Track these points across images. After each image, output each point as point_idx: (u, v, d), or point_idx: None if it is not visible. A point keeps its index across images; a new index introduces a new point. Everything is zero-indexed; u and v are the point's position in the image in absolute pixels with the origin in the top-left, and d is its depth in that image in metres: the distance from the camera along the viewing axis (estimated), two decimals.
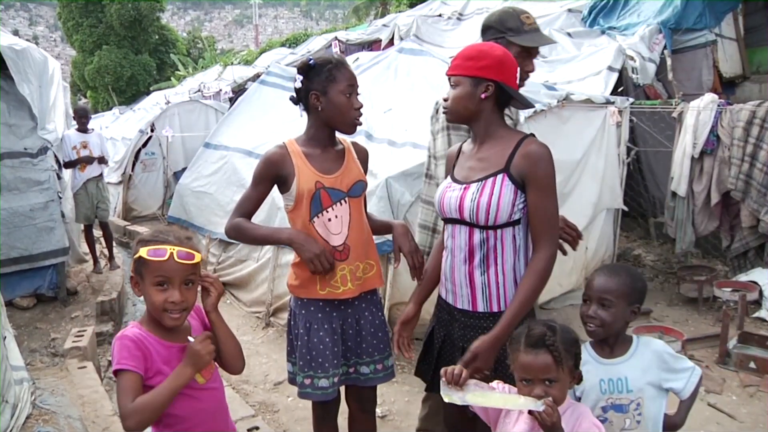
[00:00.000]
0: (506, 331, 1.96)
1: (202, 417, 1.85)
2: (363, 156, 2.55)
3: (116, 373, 1.71)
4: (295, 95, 2.41)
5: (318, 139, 2.40)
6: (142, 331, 1.77)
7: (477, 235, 2.08)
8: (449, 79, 2.16)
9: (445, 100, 2.18)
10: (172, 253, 1.71)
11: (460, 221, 2.11)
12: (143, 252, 1.72)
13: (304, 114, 2.43)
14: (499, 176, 2.04)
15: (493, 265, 2.09)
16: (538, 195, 2.02)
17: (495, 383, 1.90)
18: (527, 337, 1.74)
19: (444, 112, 2.22)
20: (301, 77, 2.36)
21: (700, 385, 2.04)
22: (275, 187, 2.43)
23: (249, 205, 2.44)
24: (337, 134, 2.46)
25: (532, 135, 2.14)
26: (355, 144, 2.55)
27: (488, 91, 2.08)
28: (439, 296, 2.35)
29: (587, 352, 1.98)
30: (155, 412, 1.68)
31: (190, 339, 1.79)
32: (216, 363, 1.92)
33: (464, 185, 2.11)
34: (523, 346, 1.73)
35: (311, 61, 2.36)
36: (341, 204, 2.35)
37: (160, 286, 1.73)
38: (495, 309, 2.11)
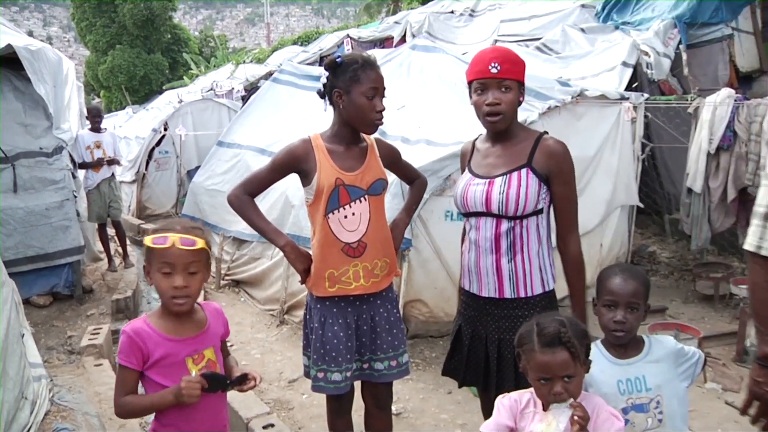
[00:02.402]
0: (584, 316, 2.14)
1: (204, 411, 1.90)
2: (386, 152, 2.56)
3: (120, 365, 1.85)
4: (321, 89, 2.44)
5: (341, 136, 2.42)
6: (146, 325, 1.85)
7: (504, 225, 2.18)
8: (501, 81, 2.14)
9: (493, 104, 2.15)
10: (174, 241, 1.79)
11: (486, 213, 2.20)
12: (148, 240, 1.82)
13: (329, 109, 2.45)
14: (523, 170, 2.16)
15: (519, 252, 2.19)
16: (564, 187, 2.17)
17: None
18: (541, 336, 1.72)
19: (494, 119, 2.18)
20: (327, 74, 2.39)
21: (704, 368, 2.07)
22: (288, 182, 2.45)
23: (257, 186, 2.49)
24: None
25: (546, 132, 2.26)
26: (379, 141, 2.57)
27: (523, 93, 2.23)
28: (463, 291, 2.39)
29: (602, 355, 1.97)
30: (136, 414, 1.93)
31: (193, 374, 1.83)
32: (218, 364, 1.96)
33: (488, 179, 2.20)
34: (538, 346, 1.71)
35: (338, 59, 2.38)
36: (360, 201, 2.37)
37: (165, 273, 1.80)
38: (522, 295, 2.22)
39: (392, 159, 2.59)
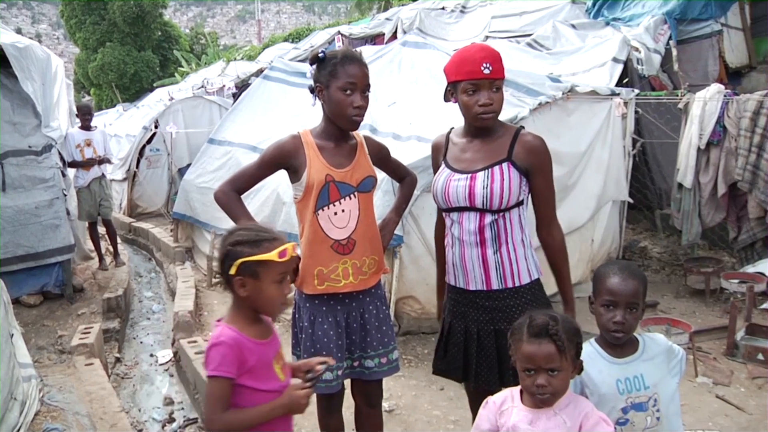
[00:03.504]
0: (572, 295, 2.28)
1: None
2: (375, 150, 2.54)
3: (210, 377, 1.76)
4: (312, 84, 2.45)
5: (329, 132, 2.41)
6: (236, 333, 1.80)
7: (488, 218, 2.20)
8: (493, 81, 2.15)
9: (487, 105, 2.16)
10: (290, 251, 1.82)
11: (469, 208, 2.22)
12: (273, 255, 1.76)
13: (317, 104, 2.44)
14: (504, 164, 2.19)
15: (504, 243, 2.22)
16: (544, 181, 2.22)
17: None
18: (530, 327, 1.75)
19: (487, 117, 2.19)
20: (312, 68, 2.39)
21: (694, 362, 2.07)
22: (279, 180, 2.44)
23: (246, 182, 2.48)
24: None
25: (522, 127, 2.31)
26: (368, 138, 2.56)
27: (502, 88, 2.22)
28: (450, 287, 2.41)
29: (599, 355, 1.96)
30: (239, 429, 1.76)
31: (292, 381, 1.86)
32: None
33: (470, 174, 2.21)
34: (526, 336, 1.74)
35: (321, 54, 2.38)
36: (350, 198, 2.37)
37: (279, 283, 1.81)
38: (510, 285, 2.24)
39: (381, 156, 2.58)
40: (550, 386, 1.70)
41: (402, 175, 2.75)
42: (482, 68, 2.13)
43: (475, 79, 2.15)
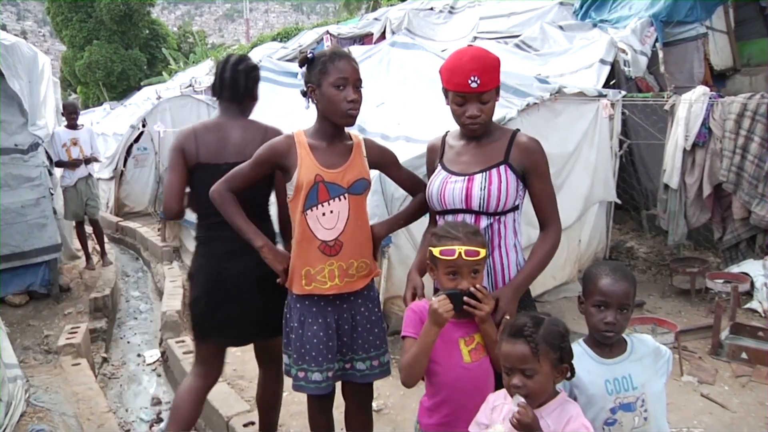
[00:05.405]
0: (525, 281, 2.19)
1: (462, 390, 2.05)
2: (376, 153, 2.50)
3: (403, 337, 2.10)
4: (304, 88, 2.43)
5: (323, 132, 2.40)
6: (426, 304, 2.07)
7: (483, 222, 2.20)
8: (480, 95, 2.13)
9: (474, 117, 2.16)
10: (460, 253, 1.97)
11: (465, 210, 2.20)
12: (436, 251, 2.01)
13: (312, 107, 2.43)
14: (502, 167, 2.18)
15: (497, 248, 2.22)
16: (541, 182, 2.21)
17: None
18: (510, 327, 1.80)
19: (474, 128, 2.19)
20: (302, 70, 2.39)
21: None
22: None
23: (240, 182, 2.46)
24: (349, 129, 2.46)
25: (518, 130, 2.29)
26: (368, 141, 2.52)
27: (499, 92, 2.22)
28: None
29: (587, 355, 1.97)
30: (411, 367, 2.02)
31: (433, 299, 1.99)
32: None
33: (467, 177, 2.20)
34: (505, 336, 1.80)
35: (310, 54, 2.39)
36: (340, 199, 2.35)
37: (451, 276, 2.01)
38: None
39: (384, 161, 2.53)
40: (524, 387, 1.73)
41: (414, 190, 2.62)
42: (469, 82, 2.09)
43: (462, 92, 2.14)
